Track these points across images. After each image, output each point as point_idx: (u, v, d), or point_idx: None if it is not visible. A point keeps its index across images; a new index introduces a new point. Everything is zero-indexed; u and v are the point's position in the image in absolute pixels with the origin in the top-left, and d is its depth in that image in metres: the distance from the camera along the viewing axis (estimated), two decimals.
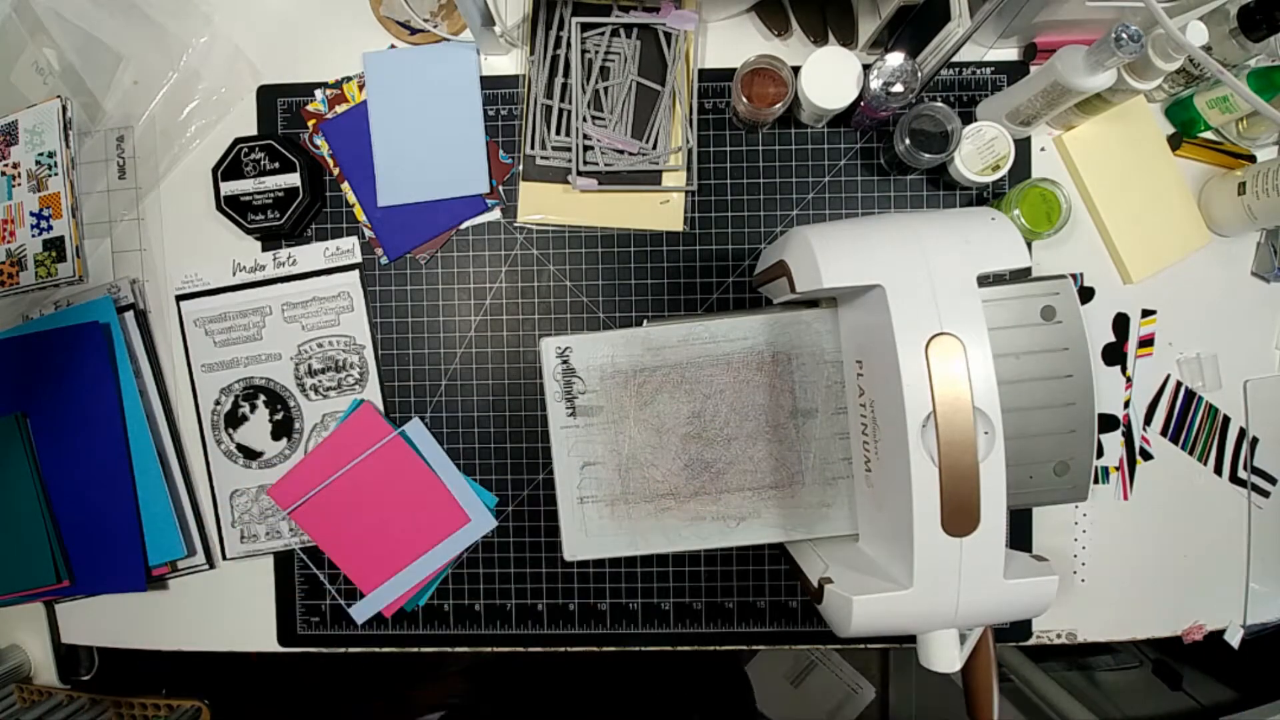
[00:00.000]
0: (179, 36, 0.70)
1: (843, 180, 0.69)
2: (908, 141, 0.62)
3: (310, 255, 0.70)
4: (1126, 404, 0.69)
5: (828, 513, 0.60)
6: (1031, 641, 0.69)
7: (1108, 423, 0.69)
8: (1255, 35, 0.55)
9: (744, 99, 0.63)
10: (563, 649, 0.70)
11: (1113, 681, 0.92)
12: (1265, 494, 0.69)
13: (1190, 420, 0.69)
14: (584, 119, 0.68)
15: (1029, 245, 0.67)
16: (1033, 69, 0.67)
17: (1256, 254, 0.69)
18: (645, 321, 0.63)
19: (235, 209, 0.68)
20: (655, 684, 1.01)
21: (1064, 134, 0.68)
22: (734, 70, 0.63)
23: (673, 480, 0.61)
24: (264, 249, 0.71)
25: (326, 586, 0.71)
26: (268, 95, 0.71)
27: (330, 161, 0.70)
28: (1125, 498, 0.69)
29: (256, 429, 0.71)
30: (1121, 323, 0.69)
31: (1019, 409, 0.60)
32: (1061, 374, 0.60)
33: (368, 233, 0.70)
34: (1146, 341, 0.69)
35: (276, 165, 0.68)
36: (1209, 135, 0.68)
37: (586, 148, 0.68)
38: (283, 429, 0.71)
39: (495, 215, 0.70)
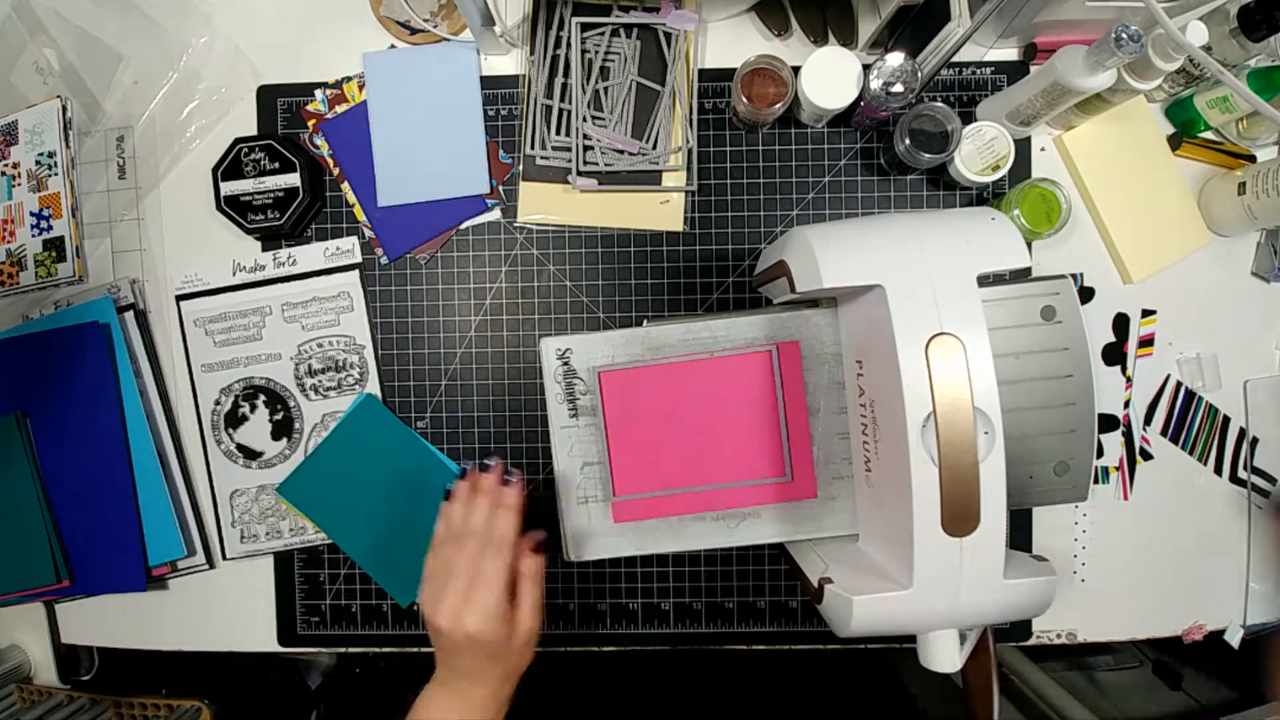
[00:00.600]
0: (179, 36, 0.70)
1: (843, 180, 0.69)
2: (908, 141, 0.62)
3: (310, 255, 0.70)
4: (1126, 404, 0.69)
5: (828, 512, 0.60)
6: (1031, 641, 0.69)
7: (1108, 423, 0.69)
8: (1255, 35, 0.55)
9: (744, 99, 0.63)
10: (562, 649, 0.70)
11: (1113, 681, 0.92)
12: (1265, 494, 0.69)
13: (1190, 420, 0.69)
14: (584, 119, 0.68)
15: (1029, 245, 0.66)
16: (1033, 69, 0.67)
17: (1256, 254, 0.69)
18: (645, 321, 0.63)
19: (235, 209, 0.68)
20: (656, 684, 1.01)
21: (1064, 134, 0.68)
22: (734, 70, 0.63)
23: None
24: (264, 249, 0.71)
25: (326, 586, 0.71)
26: (268, 95, 0.71)
27: (330, 161, 0.70)
28: (1125, 498, 0.69)
29: (256, 429, 0.71)
30: (1121, 323, 0.69)
31: (1019, 409, 0.60)
32: (1061, 374, 0.60)
33: (368, 233, 0.70)
34: (1146, 341, 0.69)
35: (276, 165, 0.68)
36: (1209, 135, 0.68)
37: (586, 148, 0.68)
38: (283, 429, 0.71)
39: (495, 215, 0.70)
